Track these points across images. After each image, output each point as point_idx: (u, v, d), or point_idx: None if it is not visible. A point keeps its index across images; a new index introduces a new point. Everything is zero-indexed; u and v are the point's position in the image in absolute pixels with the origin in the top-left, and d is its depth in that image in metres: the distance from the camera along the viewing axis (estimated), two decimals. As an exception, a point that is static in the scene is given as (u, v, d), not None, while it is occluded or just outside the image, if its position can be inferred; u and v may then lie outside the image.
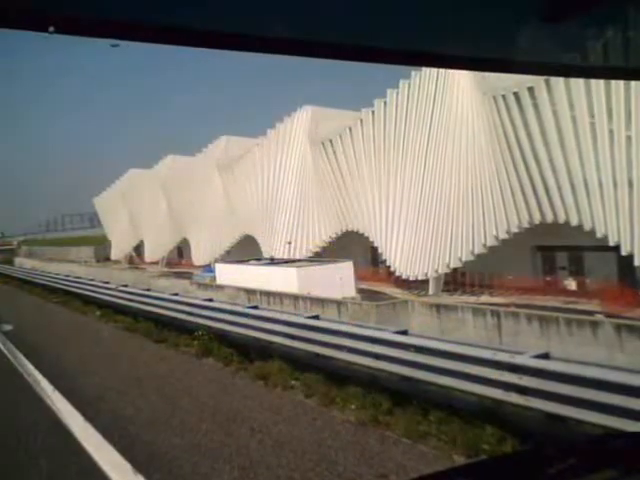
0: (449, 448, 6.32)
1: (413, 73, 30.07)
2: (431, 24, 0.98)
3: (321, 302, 18.74)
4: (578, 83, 21.67)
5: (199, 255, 48.33)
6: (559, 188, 23.52)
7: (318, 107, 39.57)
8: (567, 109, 22.79)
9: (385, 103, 32.42)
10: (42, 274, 34.39)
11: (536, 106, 23.57)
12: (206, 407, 8.68)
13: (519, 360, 6.33)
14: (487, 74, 21.17)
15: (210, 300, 14.48)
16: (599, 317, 15.86)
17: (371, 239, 33.26)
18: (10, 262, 60.33)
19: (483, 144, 25.96)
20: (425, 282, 29.11)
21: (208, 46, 0.90)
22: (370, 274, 33.71)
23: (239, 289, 23.27)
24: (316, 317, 10.43)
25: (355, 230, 34.54)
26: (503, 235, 25.66)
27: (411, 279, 29.80)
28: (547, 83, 22.65)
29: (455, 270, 28.82)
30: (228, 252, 45.04)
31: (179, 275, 39.00)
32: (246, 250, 40.22)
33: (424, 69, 27.18)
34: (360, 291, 27.34)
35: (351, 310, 17.49)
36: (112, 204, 64.80)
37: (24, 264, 55.82)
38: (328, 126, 36.48)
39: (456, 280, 29.60)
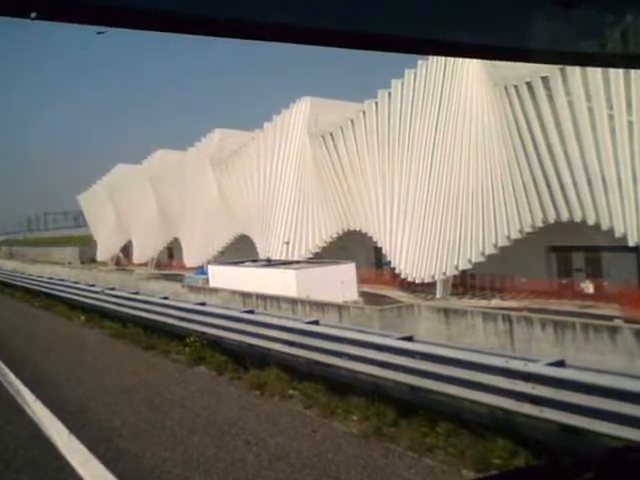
0: (457, 462, 6.32)
1: (419, 62, 30.07)
2: (440, 9, 0.98)
3: (321, 306, 18.75)
4: (595, 72, 21.67)
5: (191, 256, 48.35)
6: (575, 184, 23.53)
7: (317, 98, 39.60)
8: (584, 100, 22.80)
9: (389, 94, 32.41)
10: (23, 276, 34.42)
11: (550, 97, 23.58)
12: (198, 418, 8.68)
13: (533, 368, 6.32)
14: (498, 63, 21.17)
15: (203, 304, 14.47)
16: (618, 322, 15.88)
17: (374, 239, 33.28)
18: (-11, 264, 60.27)
19: (494, 137, 25.97)
20: (432, 285, 29.13)
21: (201, 33, 0.90)
22: (373, 276, 33.73)
23: (234, 292, 23.27)
24: (316, 322, 10.41)
25: (357, 229, 34.54)
26: (515, 235, 25.67)
27: (417, 282, 29.83)
28: (562, 72, 22.65)
29: (464, 272, 28.84)
30: (222, 253, 45.09)
31: (169, 277, 38.99)
32: (241, 251, 40.25)
33: (431, 58, 27.19)
34: (362, 294, 27.32)
35: (353, 315, 17.49)
36: (98, 202, 64.85)
37: (4, 265, 55.64)
38: (328, 118, 36.50)
39: (465, 283, 29.62)
